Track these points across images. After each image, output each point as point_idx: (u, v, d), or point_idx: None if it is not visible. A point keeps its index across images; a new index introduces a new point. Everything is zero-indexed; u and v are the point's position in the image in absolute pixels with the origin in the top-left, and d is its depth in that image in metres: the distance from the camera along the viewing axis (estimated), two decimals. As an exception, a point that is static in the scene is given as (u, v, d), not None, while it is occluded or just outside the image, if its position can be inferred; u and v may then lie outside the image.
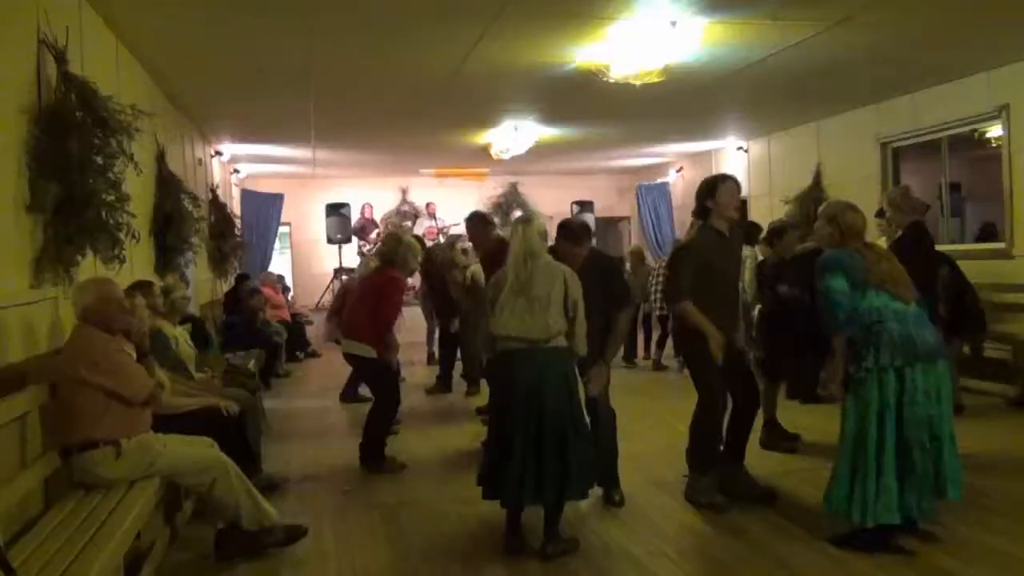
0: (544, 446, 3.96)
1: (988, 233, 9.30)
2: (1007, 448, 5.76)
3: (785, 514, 4.52)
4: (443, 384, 8.80)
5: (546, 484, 3.95)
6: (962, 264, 7.02)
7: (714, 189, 4.71)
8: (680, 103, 9.30)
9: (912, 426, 3.86)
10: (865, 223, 4.20)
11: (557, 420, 3.98)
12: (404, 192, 16.71)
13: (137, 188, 5.64)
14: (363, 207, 15.79)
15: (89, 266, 4.64)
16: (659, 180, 15.92)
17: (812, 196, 10.68)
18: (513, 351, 4.08)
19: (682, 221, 12.95)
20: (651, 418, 6.83)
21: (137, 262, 5.91)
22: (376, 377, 6.04)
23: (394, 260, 6.11)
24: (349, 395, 8.29)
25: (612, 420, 4.93)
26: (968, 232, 9.99)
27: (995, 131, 8.62)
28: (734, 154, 13.34)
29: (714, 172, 13.82)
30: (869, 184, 10.02)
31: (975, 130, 8.92)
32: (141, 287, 5.12)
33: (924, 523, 4.04)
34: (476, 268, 7.80)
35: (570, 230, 4.73)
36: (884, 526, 3.88)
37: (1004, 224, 8.28)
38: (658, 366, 10.00)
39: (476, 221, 7.25)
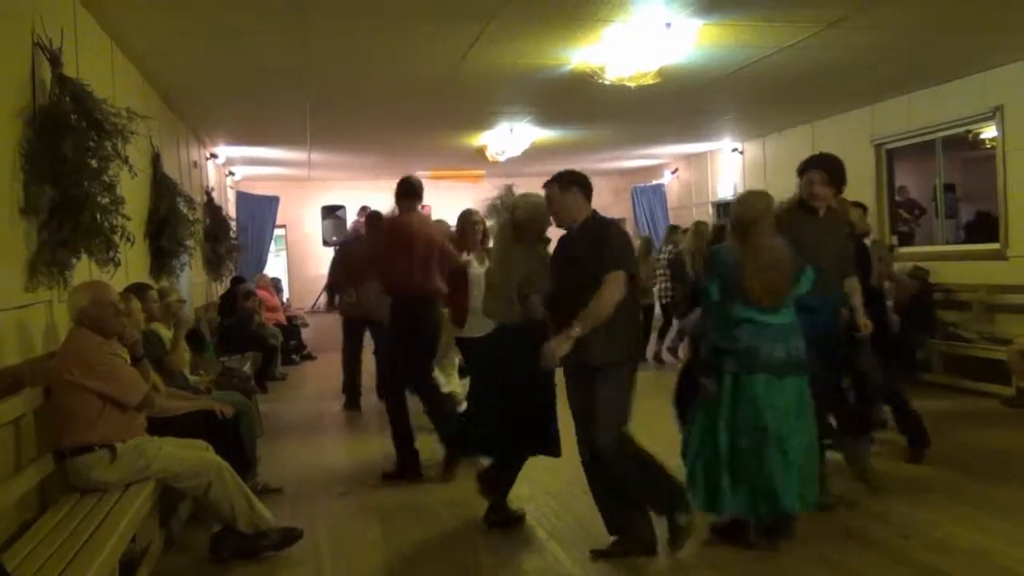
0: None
1: (982, 223, 9.30)
2: (1006, 448, 5.77)
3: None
4: None
5: None
6: (957, 265, 7.05)
7: None
8: (675, 105, 9.32)
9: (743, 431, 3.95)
10: (757, 213, 4.07)
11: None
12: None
13: (132, 191, 5.62)
14: (360, 209, 15.74)
15: (84, 269, 4.63)
16: (654, 182, 15.96)
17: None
18: None
19: (678, 222, 12.95)
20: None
21: (132, 265, 5.90)
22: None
23: None
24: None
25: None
26: (965, 231, 10.03)
27: (989, 132, 8.65)
28: (729, 155, 13.35)
29: (709, 174, 14.05)
30: (864, 185, 10.04)
31: (969, 131, 8.95)
32: (137, 290, 5.12)
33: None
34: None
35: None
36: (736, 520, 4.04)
37: (999, 225, 8.30)
38: (659, 360, 9.94)
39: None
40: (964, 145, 9.49)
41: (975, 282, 8.31)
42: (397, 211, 6.02)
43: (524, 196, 4.64)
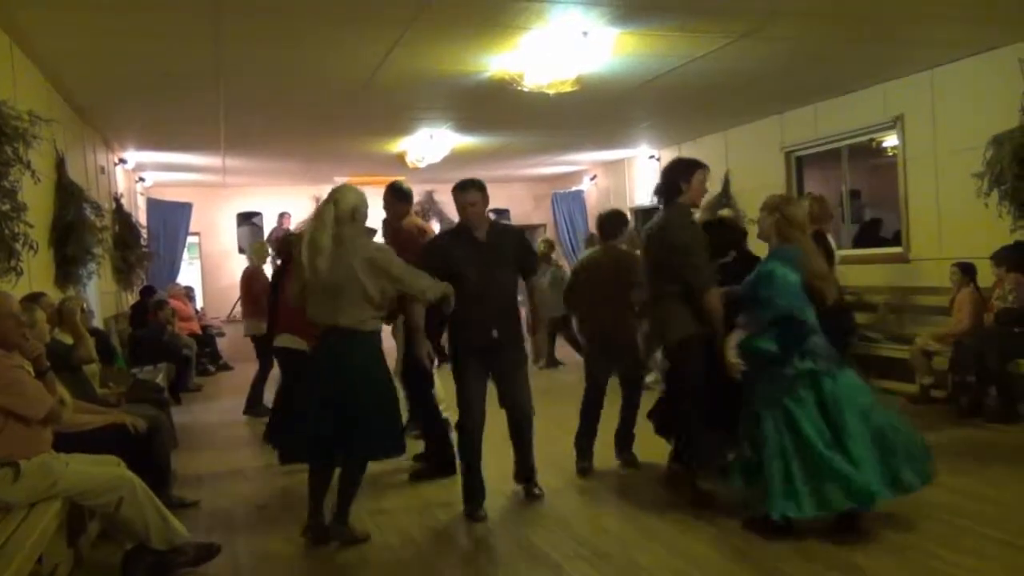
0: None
1: (872, 231, 9.70)
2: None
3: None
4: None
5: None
6: (863, 268, 7.33)
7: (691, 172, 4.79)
8: (593, 112, 9.44)
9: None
10: (807, 215, 4.33)
11: None
12: (318, 200, 16.40)
13: (35, 197, 5.42)
14: (281, 216, 15.45)
15: (-17, 279, 4.44)
16: (574, 188, 16.14)
17: (720, 203, 11.01)
18: None
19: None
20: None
21: (35, 274, 5.67)
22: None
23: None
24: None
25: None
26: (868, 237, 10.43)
27: (891, 140, 9.03)
28: (646, 162, 13.60)
29: (627, 180, 14.27)
30: (774, 191, 10.34)
31: (873, 139, 9.33)
32: (32, 299, 4.90)
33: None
34: None
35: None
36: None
37: (901, 230, 8.67)
38: (552, 362, 10.25)
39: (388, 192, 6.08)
40: (868, 153, 9.88)
41: (880, 284, 8.67)
42: (394, 217, 5.95)
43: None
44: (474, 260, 4.68)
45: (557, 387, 8.62)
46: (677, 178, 4.80)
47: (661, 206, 4.90)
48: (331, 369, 4.22)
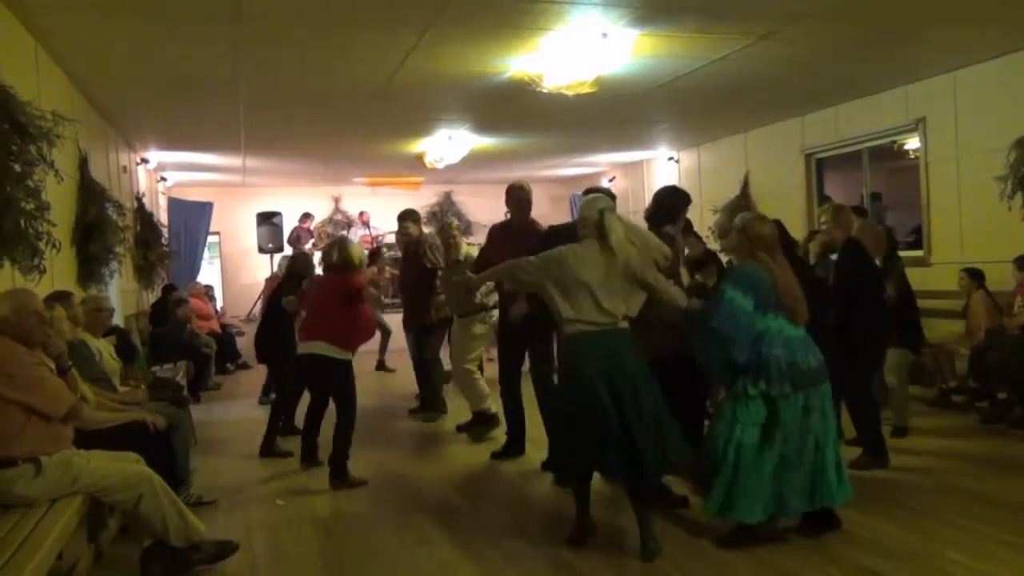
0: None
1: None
2: (928, 447, 5.96)
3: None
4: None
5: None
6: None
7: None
8: (612, 113, 9.43)
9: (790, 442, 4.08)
10: (775, 234, 4.26)
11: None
12: (337, 201, 16.56)
13: (58, 196, 5.48)
14: (304, 216, 15.55)
15: (7, 277, 4.49)
16: (592, 189, 16.10)
17: (740, 205, 10.97)
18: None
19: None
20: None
21: (58, 272, 5.73)
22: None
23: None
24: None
25: None
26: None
27: (912, 143, 8.96)
28: (665, 164, 13.57)
29: (645, 182, 14.24)
30: (794, 194, 10.32)
31: (894, 142, 9.26)
32: (60, 298, 4.96)
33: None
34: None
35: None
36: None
37: (923, 233, 8.60)
38: None
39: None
40: (889, 155, 9.81)
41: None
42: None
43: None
44: None
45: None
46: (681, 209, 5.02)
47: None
48: None
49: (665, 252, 4.41)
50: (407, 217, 7.68)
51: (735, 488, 4.06)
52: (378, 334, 10.44)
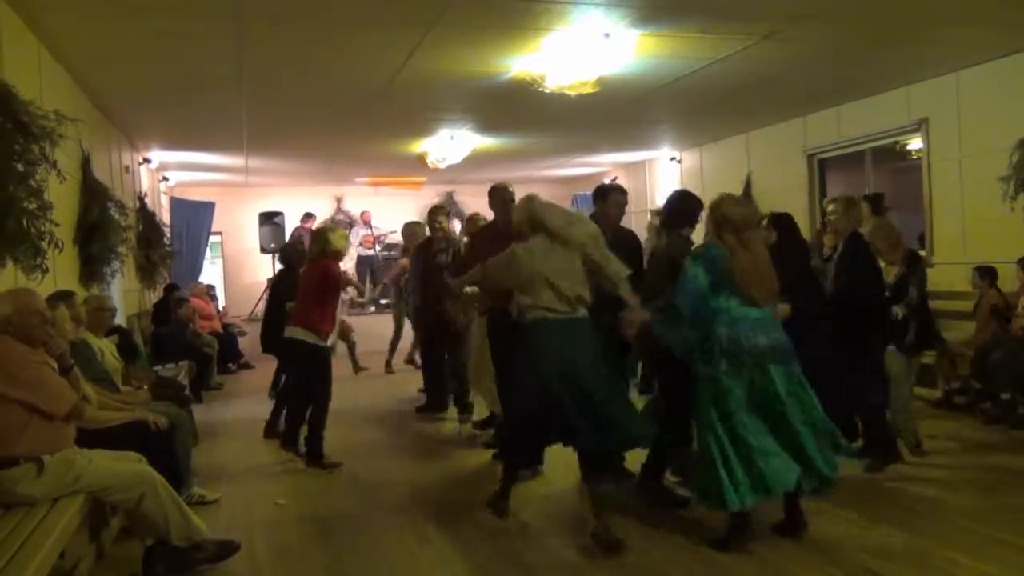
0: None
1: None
2: (930, 447, 5.94)
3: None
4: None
5: None
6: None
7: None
8: (614, 113, 9.42)
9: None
10: (745, 216, 4.25)
11: None
12: (339, 201, 16.56)
13: (60, 196, 5.48)
14: (305, 216, 15.56)
15: (9, 276, 4.49)
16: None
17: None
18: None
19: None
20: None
21: (60, 272, 5.74)
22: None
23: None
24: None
25: None
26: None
27: (915, 143, 8.95)
28: (667, 164, 13.56)
29: (648, 182, 14.23)
30: (796, 194, 10.31)
31: (897, 142, 9.25)
32: (62, 297, 4.97)
33: None
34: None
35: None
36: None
37: (925, 233, 8.59)
38: None
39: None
40: (892, 155, 9.79)
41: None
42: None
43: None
44: None
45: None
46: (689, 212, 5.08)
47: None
48: None
49: (591, 231, 4.56)
50: (439, 211, 7.49)
51: (709, 475, 4.06)
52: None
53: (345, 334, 7.78)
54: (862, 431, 5.44)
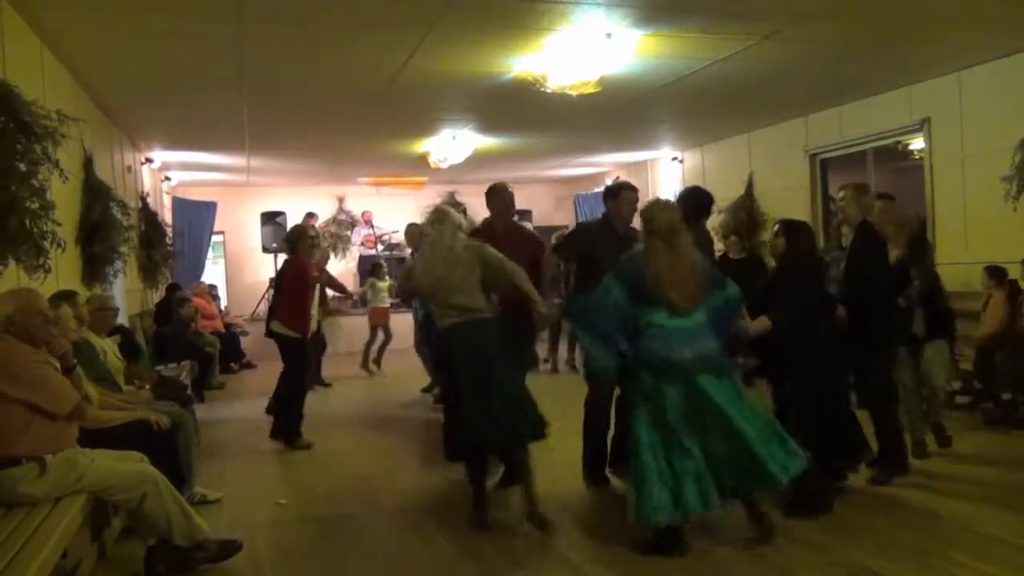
0: None
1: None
2: (931, 447, 5.93)
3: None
4: None
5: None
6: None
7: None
8: (616, 113, 9.42)
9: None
10: (672, 221, 4.24)
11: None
12: (341, 201, 16.55)
13: (63, 196, 5.48)
14: (307, 216, 15.54)
15: (12, 276, 4.50)
16: (596, 189, 16.08)
17: (744, 205, 10.96)
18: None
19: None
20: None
21: (63, 272, 5.75)
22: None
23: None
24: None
25: None
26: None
27: (917, 143, 8.94)
28: (669, 164, 13.55)
29: (649, 182, 14.23)
30: (798, 194, 10.31)
31: (899, 142, 9.24)
32: (64, 297, 4.97)
33: None
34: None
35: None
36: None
37: (927, 233, 8.57)
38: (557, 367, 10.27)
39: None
40: (894, 155, 9.79)
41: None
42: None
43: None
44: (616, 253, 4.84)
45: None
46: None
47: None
48: None
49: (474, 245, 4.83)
50: (452, 206, 7.32)
51: (639, 489, 4.03)
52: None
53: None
54: (876, 435, 5.17)
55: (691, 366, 4.06)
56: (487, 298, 4.71)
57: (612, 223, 5.47)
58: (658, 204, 4.41)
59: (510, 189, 5.84)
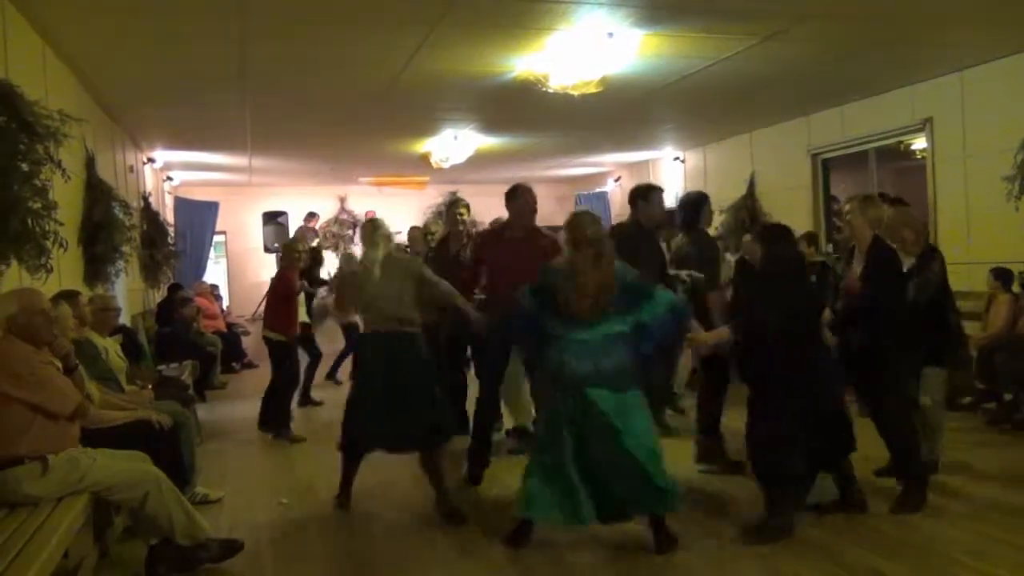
0: None
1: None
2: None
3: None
4: None
5: None
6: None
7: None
8: (618, 113, 9.42)
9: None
10: (596, 233, 4.24)
11: None
12: (343, 201, 16.56)
13: (65, 195, 5.49)
14: (309, 216, 15.56)
15: (14, 276, 4.50)
16: (597, 189, 16.09)
17: (746, 205, 10.96)
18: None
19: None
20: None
21: (65, 271, 5.75)
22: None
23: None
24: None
25: None
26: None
27: (919, 143, 8.93)
28: (671, 164, 13.55)
29: (651, 182, 14.19)
30: (800, 194, 10.31)
31: (901, 142, 9.23)
32: (66, 297, 4.98)
33: None
34: None
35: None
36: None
37: (929, 233, 8.56)
38: None
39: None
40: (896, 155, 9.78)
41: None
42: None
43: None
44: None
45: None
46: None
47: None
48: None
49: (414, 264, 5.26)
50: (459, 203, 6.91)
51: (525, 482, 4.18)
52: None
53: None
54: (894, 466, 4.82)
55: (584, 379, 4.08)
56: (419, 312, 4.98)
57: (642, 224, 5.51)
58: (584, 217, 4.43)
59: (533, 192, 5.76)
